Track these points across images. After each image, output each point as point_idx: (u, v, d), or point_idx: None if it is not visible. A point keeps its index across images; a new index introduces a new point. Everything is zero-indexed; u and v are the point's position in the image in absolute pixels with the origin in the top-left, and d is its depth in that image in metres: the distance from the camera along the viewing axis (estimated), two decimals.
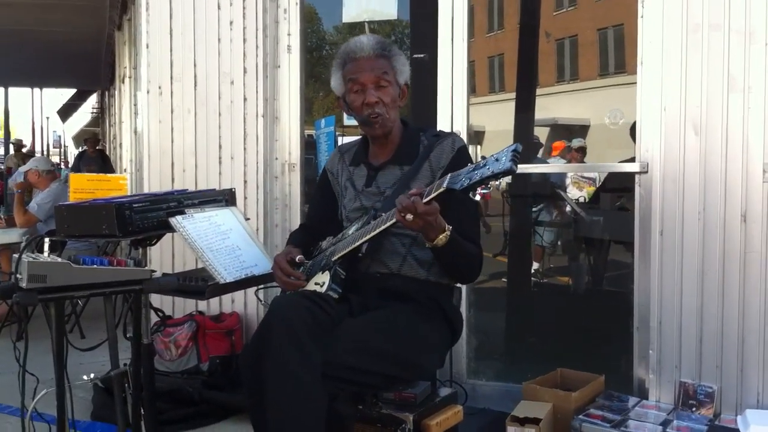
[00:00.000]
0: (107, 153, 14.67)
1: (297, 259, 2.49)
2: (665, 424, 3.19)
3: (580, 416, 3.23)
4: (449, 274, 2.53)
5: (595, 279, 6.50)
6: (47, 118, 29.52)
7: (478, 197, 2.10)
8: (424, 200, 2.13)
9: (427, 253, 2.41)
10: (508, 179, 5.71)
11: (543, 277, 7.44)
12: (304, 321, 2.14)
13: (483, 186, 2.05)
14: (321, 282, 2.40)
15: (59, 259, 2.15)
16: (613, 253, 6.32)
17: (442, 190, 2.12)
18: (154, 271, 2.31)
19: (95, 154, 13.72)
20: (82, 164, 12.73)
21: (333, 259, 2.45)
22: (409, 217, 2.13)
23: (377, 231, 2.34)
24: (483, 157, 2.10)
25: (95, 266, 2.17)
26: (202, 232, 2.59)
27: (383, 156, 2.61)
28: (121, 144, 10.11)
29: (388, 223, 2.29)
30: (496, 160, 2.02)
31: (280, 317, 2.16)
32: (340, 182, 2.71)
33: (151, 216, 2.57)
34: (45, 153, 27.17)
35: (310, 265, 2.58)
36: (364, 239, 2.39)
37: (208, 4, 4.34)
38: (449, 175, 2.13)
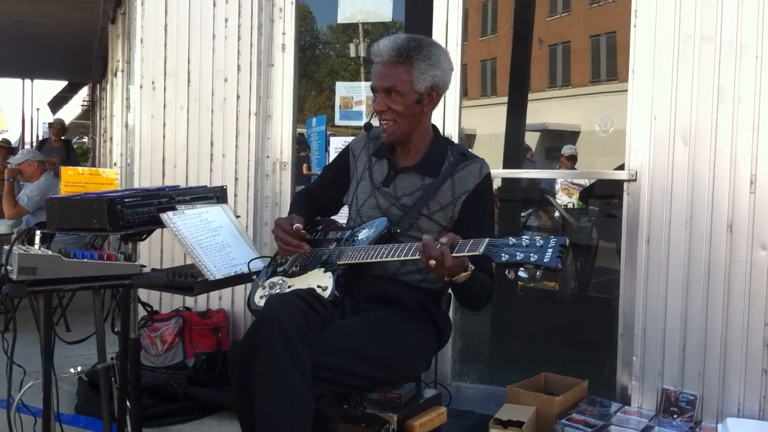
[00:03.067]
0: (91, 144, 13.67)
1: (295, 227, 2.46)
2: (647, 430, 3.22)
3: (563, 420, 3.25)
4: (460, 302, 2.51)
5: (581, 285, 6.53)
6: (37, 109, 29.32)
7: (511, 275, 2.05)
8: (454, 255, 2.10)
9: None
10: (498, 182, 5.75)
11: (530, 281, 7.47)
12: (296, 322, 2.14)
13: (522, 269, 2.02)
14: (324, 285, 2.36)
15: (50, 252, 2.16)
16: (600, 259, 6.36)
17: (477, 254, 2.08)
18: (143, 266, 2.32)
19: (60, 144, 11.93)
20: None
21: (339, 263, 2.40)
22: (432, 263, 2.10)
23: (395, 259, 2.29)
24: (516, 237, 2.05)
25: (85, 260, 2.18)
26: (193, 228, 2.60)
27: (407, 160, 2.56)
28: (111, 138, 10.08)
29: (410, 258, 2.24)
30: (541, 247, 1.98)
31: (274, 317, 2.16)
32: (357, 166, 2.67)
33: (142, 211, 2.58)
34: (34, 145, 26.99)
35: (309, 253, 2.53)
36: (378, 260, 2.33)
37: (203, 1, 4.35)
38: (488, 240, 2.08)
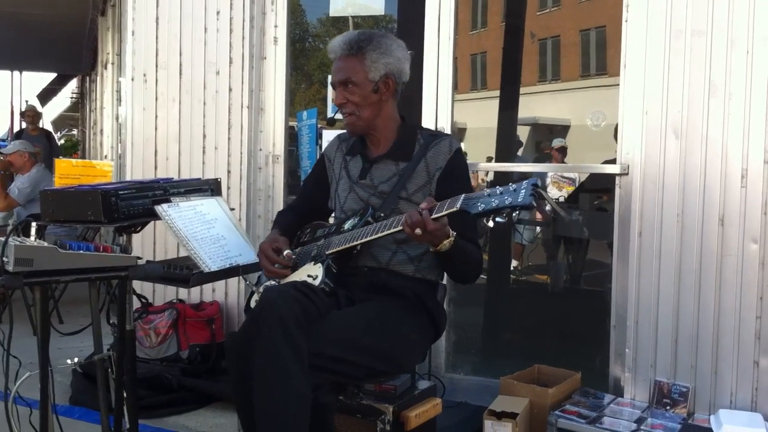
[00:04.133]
0: (80, 137, 12.97)
1: (285, 254, 2.50)
2: (639, 421, 3.24)
3: (556, 412, 3.27)
4: (451, 276, 2.56)
5: (573, 278, 6.57)
6: (26, 101, 29.18)
7: (491, 224, 2.10)
8: (434, 216, 2.14)
9: (417, 249, 2.46)
10: (491, 176, 5.77)
11: (521, 274, 7.50)
12: (293, 312, 2.16)
13: (498, 215, 2.05)
14: (314, 275, 2.41)
15: (46, 244, 2.16)
16: (592, 252, 6.39)
17: (454, 210, 2.12)
18: (139, 258, 2.32)
19: (38, 132, 10.91)
20: None
21: (327, 253, 2.46)
22: (418, 231, 2.15)
23: (379, 235, 2.34)
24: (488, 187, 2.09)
25: (82, 252, 2.18)
26: (188, 220, 2.60)
27: (378, 150, 2.62)
28: (101, 130, 10.04)
29: (393, 230, 2.29)
30: (514, 191, 2.02)
31: (271, 307, 2.18)
32: (334, 169, 2.73)
33: (137, 203, 2.58)
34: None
35: (299, 252, 2.59)
36: (364, 240, 2.38)
37: None
38: (463, 195, 2.13)
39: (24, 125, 12.64)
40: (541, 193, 2.04)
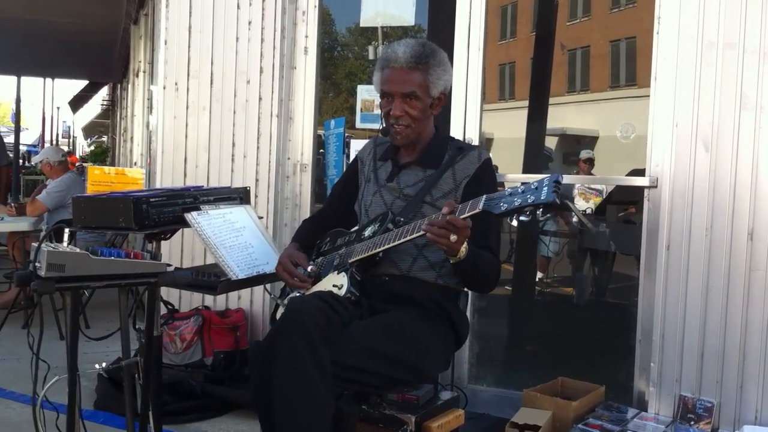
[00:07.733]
0: (110, 144, 12.49)
1: (310, 270, 2.52)
2: None
3: (579, 425, 3.26)
4: (470, 286, 2.56)
5: (598, 291, 6.53)
6: (58, 108, 29.58)
7: (515, 223, 2.08)
8: (462, 217, 2.14)
9: (437, 254, 2.45)
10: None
11: (546, 287, 7.47)
12: (317, 322, 2.18)
13: (522, 214, 2.02)
14: (339, 284, 2.42)
15: (78, 250, 2.19)
16: (618, 265, 6.35)
17: (477, 211, 2.11)
18: (169, 264, 2.35)
19: None
20: None
21: (350, 261, 2.48)
22: (453, 237, 2.13)
23: (402, 240, 2.34)
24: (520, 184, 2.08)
25: (113, 258, 2.21)
26: (216, 228, 2.63)
27: (409, 156, 2.64)
28: (132, 137, 10.15)
29: (415, 235, 2.29)
30: (536, 188, 2.00)
31: (295, 317, 2.20)
32: (365, 172, 2.74)
33: (167, 211, 2.61)
34: (55, 143, 27.21)
35: (320, 262, 2.61)
36: (386, 247, 2.38)
37: (227, 4, 4.39)
38: (485, 196, 2.11)
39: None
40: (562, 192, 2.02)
